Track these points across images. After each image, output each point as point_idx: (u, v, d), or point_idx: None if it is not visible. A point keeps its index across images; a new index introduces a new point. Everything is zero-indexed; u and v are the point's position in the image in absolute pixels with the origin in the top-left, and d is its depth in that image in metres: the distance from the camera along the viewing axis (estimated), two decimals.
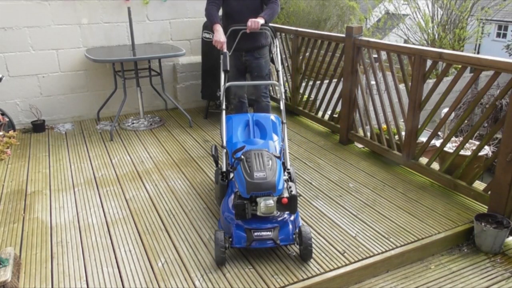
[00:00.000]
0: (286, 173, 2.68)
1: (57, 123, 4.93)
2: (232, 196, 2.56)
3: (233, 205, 2.42)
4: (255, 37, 3.65)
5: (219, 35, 3.43)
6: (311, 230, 2.64)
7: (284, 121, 3.03)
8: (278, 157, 2.61)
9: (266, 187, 2.34)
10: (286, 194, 2.41)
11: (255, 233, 2.39)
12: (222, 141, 2.87)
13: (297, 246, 2.49)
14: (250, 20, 3.42)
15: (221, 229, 2.50)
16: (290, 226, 2.45)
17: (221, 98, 3.08)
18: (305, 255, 2.42)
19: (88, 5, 4.70)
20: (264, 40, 3.73)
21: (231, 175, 2.72)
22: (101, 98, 5.00)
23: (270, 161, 2.47)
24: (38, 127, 4.66)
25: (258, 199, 2.35)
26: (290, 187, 2.48)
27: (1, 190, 3.38)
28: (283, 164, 2.74)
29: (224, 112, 3.02)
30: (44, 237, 2.74)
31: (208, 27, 4.72)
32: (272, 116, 3.10)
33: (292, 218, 2.49)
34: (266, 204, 2.35)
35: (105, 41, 4.89)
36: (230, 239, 2.42)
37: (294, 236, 2.43)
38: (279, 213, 2.44)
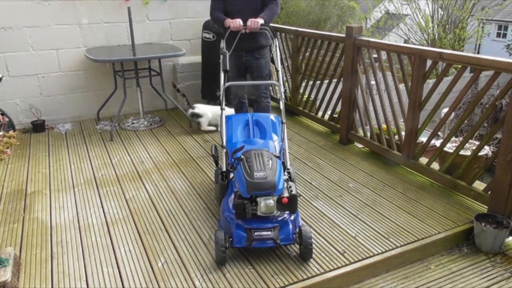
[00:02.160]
0: (286, 173, 2.68)
1: (57, 123, 4.93)
2: (232, 196, 2.56)
3: (233, 205, 2.42)
4: (256, 37, 3.65)
5: (234, 21, 3.44)
6: (311, 230, 2.64)
7: (284, 121, 3.03)
8: (278, 157, 2.61)
9: (266, 186, 2.34)
10: (286, 194, 2.41)
11: (255, 233, 2.39)
12: (222, 141, 2.87)
13: (297, 246, 2.49)
14: (249, 20, 3.43)
15: (221, 229, 2.50)
16: (290, 226, 2.45)
17: (221, 98, 3.08)
18: (305, 255, 2.42)
19: (88, 5, 4.70)
20: (265, 41, 3.73)
21: (231, 175, 2.72)
22: (101, 98, 4.99)
23: (270, 161, 2.47)
24: (38, 127, 4.66)
25: (258, 199, 2.35)
26: (290, 186, 2.48)
27: (1, 190, 3.38)
28: (283, 164, 2.74)
29: (224, 112, 3.02)
30: (44, 237, 2.74)
31: (208, 26, 4.73)
32: (272, 116, 3.09)
33: (292, 218, 2.49)
34: (266, 203, 2.35)
35: (105, 41, 4.89)
36: (230, 239, 2.42)
37: (294, 236, 2.43)
38: (279, 212, 2.44)
